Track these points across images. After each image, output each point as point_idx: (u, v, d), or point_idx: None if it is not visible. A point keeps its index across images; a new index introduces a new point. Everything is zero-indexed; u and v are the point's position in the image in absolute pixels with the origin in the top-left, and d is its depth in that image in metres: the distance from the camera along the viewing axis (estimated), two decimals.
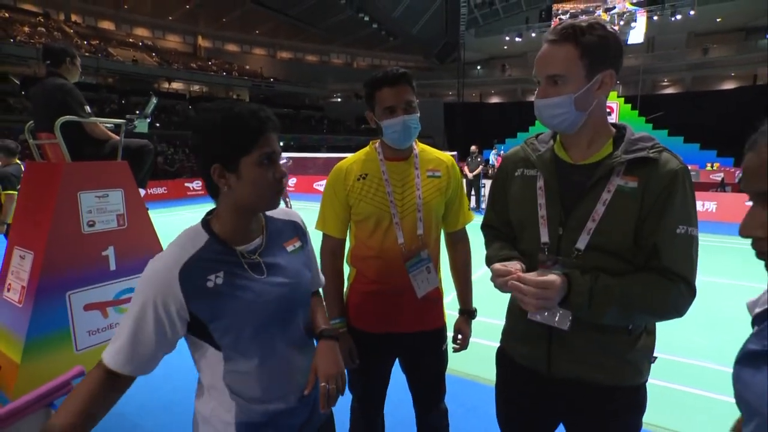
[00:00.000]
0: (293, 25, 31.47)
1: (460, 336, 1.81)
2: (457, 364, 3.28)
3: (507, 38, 28.84)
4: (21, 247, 3.12)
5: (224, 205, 1.05)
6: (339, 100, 37.79)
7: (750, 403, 0.68)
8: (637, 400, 1.19)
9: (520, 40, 28.49)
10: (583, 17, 1.11)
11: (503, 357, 1.38)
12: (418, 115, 1.60)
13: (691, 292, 1.06)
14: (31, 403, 1.09)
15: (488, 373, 3.03)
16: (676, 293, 1.03)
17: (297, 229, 1.24)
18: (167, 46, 31.66)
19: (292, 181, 16.20)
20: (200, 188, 16.08)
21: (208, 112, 1.01)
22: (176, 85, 30.28)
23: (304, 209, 11.67)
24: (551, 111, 1.11)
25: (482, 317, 3.49)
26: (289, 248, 1.18)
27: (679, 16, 23.58)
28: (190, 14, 30.73)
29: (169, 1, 28.66)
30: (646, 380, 1.19)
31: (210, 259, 1.02)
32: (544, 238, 1.16)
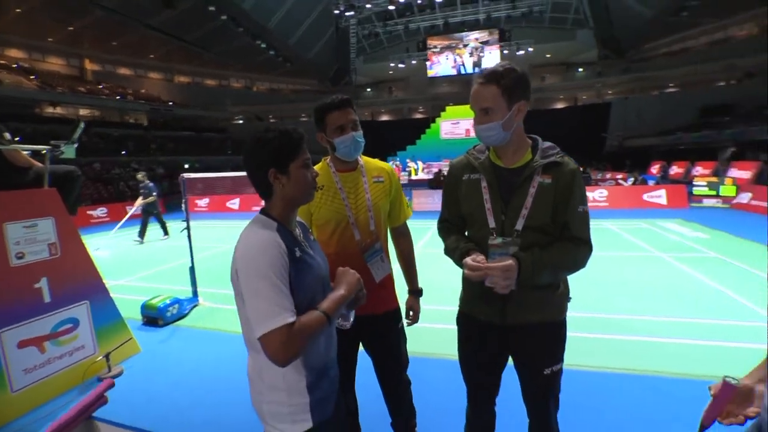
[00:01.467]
0: (190, 50, 29.21)
1: (411, 312, 1.98)
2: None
3: (392, 65, 30.29)
4: None
5: (279, 201, 1.23)
6: (241, 122, 36.04)
7: None
8: (562, 331, 1.53)
9: (403, 66, 30.13)
10: (502, 63, 1.39)
11: (464, 318, 1.62)
12: (362, 131, 1.75)
13: (591, 249, 1.42)
14: (72, 418, 1.02)
15: (437, 349, 3.25)
16: (583, 252, 1.39)
17: (306, 227, 1.40)
18: (48, 69, 27.24)
19: (203, 202, 15.08)
20: (105, 215, 14.20)
21: (262, 132, 1.20)
22: (62, 110, 26.22)
23: (216, 228, 11.07)
24: (487, 133, 1.40)
25: (434, 305, 3.70)
26: (311, 237, 1.36)
27: (522, 51, 27.09)
28: (74, 36, 26.77)
29: (47, 23, 24.67)
30: (566, 316, 1.53)
31: (287, 237, 1.18)
32: (492, 224, 1.43)
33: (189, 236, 4.95)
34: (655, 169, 18.26)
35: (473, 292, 1.55)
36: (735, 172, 12.99)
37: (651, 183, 13.31)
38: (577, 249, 1.38)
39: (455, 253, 1.48)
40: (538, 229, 1.39)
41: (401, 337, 1.97)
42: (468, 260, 1.36)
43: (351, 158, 1.78)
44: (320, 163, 1.85)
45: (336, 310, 1.18)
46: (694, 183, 12.23)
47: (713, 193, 11.56)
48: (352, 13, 25.08)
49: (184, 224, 4.96)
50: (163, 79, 32.40)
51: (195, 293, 4.97)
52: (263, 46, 27.87)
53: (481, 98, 1.37)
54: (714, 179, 12.18)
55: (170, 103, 29.38)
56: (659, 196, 11.49)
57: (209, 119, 32.43)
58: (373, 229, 1.80)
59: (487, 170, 1.46)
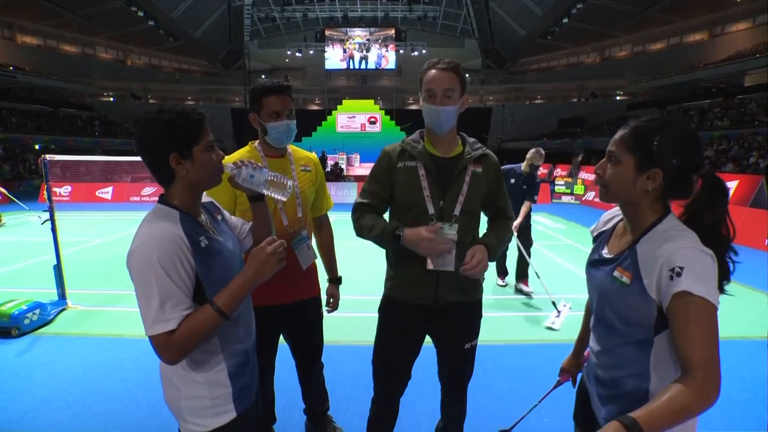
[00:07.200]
0: (41, 5, 23.93)
1: (332, 300, 2.04)
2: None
3: (289, 52, 29.21)
4: None
5: (182, 187, 1.13)
6: (112, 99, 31.23)
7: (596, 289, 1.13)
8: (480, 309, 1.69)
9: (300, 55, 29.26)
10: (446, 59, 1.50)
11: (392, 303, 1.65)
12: (296, 120, 1.75)
13: (513, 219, 1.66)
14: None
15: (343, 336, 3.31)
16: (512, 224, 1.65)
17: (215, 206, 1.34)
18: None
19: (64, 189, 12.80)
20: None
21: (155, 114, 1.07)
22: None
23: (83, 219, 9.56)
24: (447, 115, 1.50)
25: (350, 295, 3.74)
26: (219, 218, 1.30)
27: (416, 52, 28.47)
28: None
29: None
30: (482, 296, 1.69)
31: (191, 226, 1.10)
32: (431, 210, 1.53)
33: (54, 228, 4.19)
34: None
35: (406, 277, 1.58)
36: (584, 175, 15.55)
37: None
38: (511, 222, 1.63)
39: (376, 229, 1.50)
40: (471, 213, 1.56)
41: (321, 323, 2.03)
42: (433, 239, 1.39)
43: (281, 145, 1.76)
44: (247, 147, 1.79)
45: (234, 303, 1.06)
46: (556, 183, 14.37)
47: (569, 191, 13.77)
48: None
49: (46, 215, 4.19)
50: None
51: (62, 295, 4.25)
52: (141, 14, 24.43)
53: (446, 80, 1.46)
54: (569, 180, 14.47)
55: (11, 68, 23.80)
56: None
57: (70, 93, 27.36)
58: (300, 216, 1.80)
59: (425, 158, 1.54)
